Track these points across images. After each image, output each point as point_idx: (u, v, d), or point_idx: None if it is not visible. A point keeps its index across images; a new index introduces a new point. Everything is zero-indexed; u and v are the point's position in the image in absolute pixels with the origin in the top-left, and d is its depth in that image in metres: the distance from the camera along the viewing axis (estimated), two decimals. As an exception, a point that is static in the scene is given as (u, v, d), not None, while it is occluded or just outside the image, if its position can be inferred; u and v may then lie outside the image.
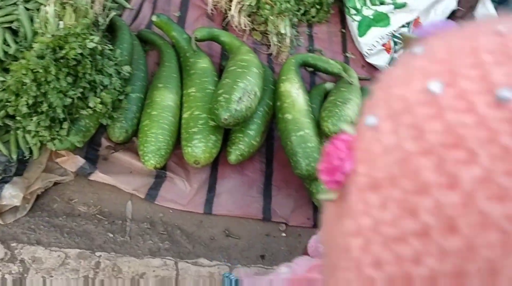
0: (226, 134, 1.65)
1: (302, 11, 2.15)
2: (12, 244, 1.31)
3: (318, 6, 2.18)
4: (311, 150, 1.55)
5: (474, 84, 0.28)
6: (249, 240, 1.56)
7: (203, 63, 1.73)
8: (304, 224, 1.63)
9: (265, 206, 1.63)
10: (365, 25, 2.15)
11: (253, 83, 1.59)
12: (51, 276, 1.28)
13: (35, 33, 1.48)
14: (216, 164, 1.67)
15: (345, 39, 2.23)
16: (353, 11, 2.19)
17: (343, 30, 2.25)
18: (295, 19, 2.12)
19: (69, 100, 1.36)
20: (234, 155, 1.60)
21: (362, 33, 2.18)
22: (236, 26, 2.02)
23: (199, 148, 1.53)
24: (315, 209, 1.67)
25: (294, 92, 1.69)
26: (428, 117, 0.28)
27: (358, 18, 2.18)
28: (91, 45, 1.36)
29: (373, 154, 0.31)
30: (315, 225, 1.63)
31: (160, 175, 1.58)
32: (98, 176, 1.48)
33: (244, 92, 1.54)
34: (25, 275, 1.27)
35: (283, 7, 1.96)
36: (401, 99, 0.31)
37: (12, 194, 1.31)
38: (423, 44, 0.36)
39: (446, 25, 0.42)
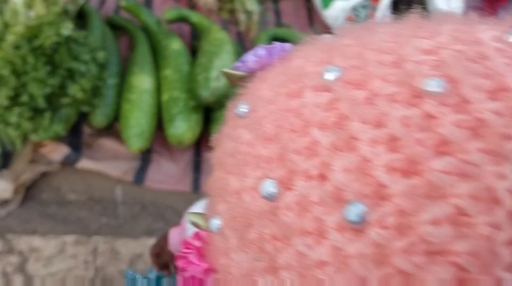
0: (207, 114, 1.68)
1: (266, -12, 2.18)
2: (8, 237, 1.31)
3: (281, -18, 2.22)
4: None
5: (315, 189, 0.21)
6: (239, 212, 1.61)
7: (176, 45, 1.74)
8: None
9: (250, 179, 1.68)
10: (328, -2, 2.21)
11: (228, 60, 1.62)
12: (52, 264, 1.30)
13: (5, 26, 1.46)
14: (199, 143, 1.70)
15: (311, 12, 2.27)
16: (315, -16, 2.24)
17: (308, 4, 2.30)
18: (261, -4, 2.15)
19: (49, 89, 1.36)
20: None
21: (326, 5, 2.23)
22: (203, 6, 2.03)
23: (182, 128, 1.56)
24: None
25: (268, 66, 1.73)
26: (272, 238, 0.23)
27: (320, -10, 2.23)
28: (66, 32, 1.36)
29: (226, 272, 0.26)
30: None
31: (145, 158, 1.60)
32: (84, 163, 1.49)
33: (220, 69, 1.57)
34: (25, 264, 1.28)
35: (248, -16, 1.99)
36: (240, 203, 0.25)
37: (2, 188, 1.31)
38: (248, 98, 0.29)
39: (273, 53, 0.32)
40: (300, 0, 2.30)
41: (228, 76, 0.35)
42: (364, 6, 2.23)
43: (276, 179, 0.22)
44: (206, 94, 1.51)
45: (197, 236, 0.30)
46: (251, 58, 0.32)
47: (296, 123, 0.23)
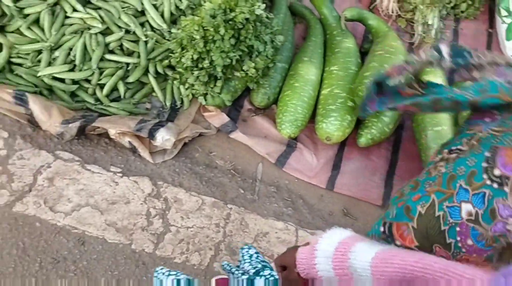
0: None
1: (452, 4, 2.08)
2: (159, 183, 1.44)
3: (469, 1, 2.10)
4: (446, 148, 1.53)
5: None
6: (365, 223, 1.59)
7: (349, 43, 1.75)
8: (421, 219, 1.62)
9: (385, 194, 1.65)
10: (516, 29, 2.04)
11: (398, 71, 1.59)
12: (188, 218, 1.40)
13: (204, -8, 1.58)
14: (344, 143, 1.70)
15: (491, 39, 2.13)
16: (504, 13, 2.08)
17: (490, 30, 2.15)
18: (444, 12, 2.06)
19: (228, 61, 1.45)
20: (364, 138, 1.63)
21: (510, 37, 2.07)
22: (382, 11, 2.01)
23: (334, 125, 1.57)
24: (434, 207, 1.65)
25: (436, 86, 1.66)
26: None
27: (508, 20, 2.07)
28: (258, 11, 1.43)
29: None
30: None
31: (291, 144, 1.64)
32: (237, 135, 1.58)
33: (389, 78, 1.55)
34: (167, 212, 1.40)
35: (435, -2, 1.92)
36: None
37: (165, 138, 1.43)
38: None
39: None
40: (483, 24, 2.17)
41: None
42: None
43: None
44: (368, 99, 1.50)
45: None
46: None
47: None
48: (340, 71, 1.66)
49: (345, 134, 1.60)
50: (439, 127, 1.56)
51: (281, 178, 1.59)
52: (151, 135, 1.43)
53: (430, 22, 1.95)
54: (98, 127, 1.41)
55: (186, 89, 1.54)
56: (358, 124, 1.66)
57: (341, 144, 1.70)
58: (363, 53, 1.84)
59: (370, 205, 1.62)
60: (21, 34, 1.44)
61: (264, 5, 1.46)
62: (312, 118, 1.66)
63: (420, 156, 1.60)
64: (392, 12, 2.00)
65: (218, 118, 1.57)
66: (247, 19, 1.43)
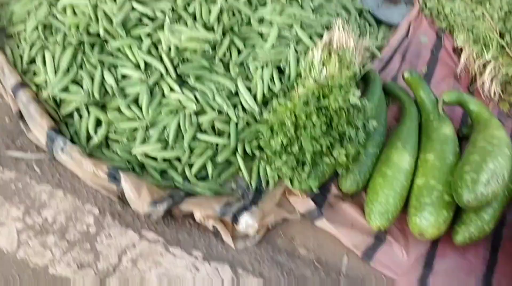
0: (456, 209, 1.54)
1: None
2: (239, 271, 1.39)
3: None
4: (558, 257, 1.36)
5: None
6: (460, 332, 1.44)
7: (447, 130, 1.64)
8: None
9: (484, 300, 1.49)
10: None
11: (503, 166, 1.46)
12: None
13: (298, 75, 1.56)
14: (438, 238, 1.57)
15: None
16: None
17: None
18: (554, 96, 1.90)
19: (319, 147, 1.40)
20: (461, 236, 1.49)
21: None
22: (483, 92, 1.89)
23: (428, 221, 1.46)
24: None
25: (546, 183, 1.51)
26: None
27: None
28: (353, 100, 1.38)
29: None
30: None
31: (380, 236, 1.54)
32: (323, 222, 1.50)
33: (493, 174, 1.42)
34: (245, 303, 1.34)
35: (545, 83, 1.77)
36: None
37: (249, 223, 1.39)
38: None
39: None
40: None
41: None
42: None
43: None
44: (469, 197, 1.38)
45: None
46: None
47: None
48: (436, 160, 1.56)
49: (440, 231, 1.47)
50: (550, 232, 1.40)
51: (367, 273, 1.48)
52: (235, 219, 1.39)
53: (537, 108, 1.81)
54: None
55: (273, 170, 1.51)
56: (454, 218, 1.53)
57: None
58: (461, 138, 1.72)
59: (466, 311, 1.47)
60: (119, 111, 1.49)
61: (359, 91, 1.41)
62: (404, 207, 1.55)
63: (527, 262, 1.43)
64: (494, 95, 1.87)
65: (304, 203, 1.51)
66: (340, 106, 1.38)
